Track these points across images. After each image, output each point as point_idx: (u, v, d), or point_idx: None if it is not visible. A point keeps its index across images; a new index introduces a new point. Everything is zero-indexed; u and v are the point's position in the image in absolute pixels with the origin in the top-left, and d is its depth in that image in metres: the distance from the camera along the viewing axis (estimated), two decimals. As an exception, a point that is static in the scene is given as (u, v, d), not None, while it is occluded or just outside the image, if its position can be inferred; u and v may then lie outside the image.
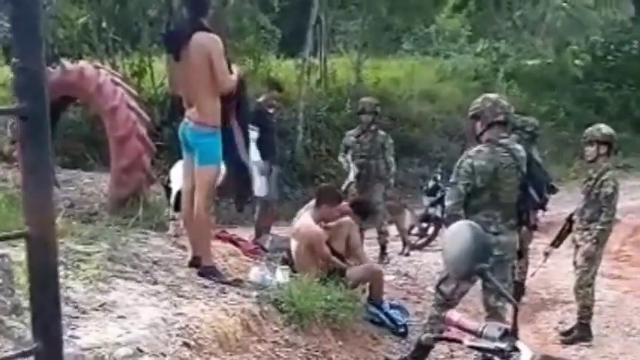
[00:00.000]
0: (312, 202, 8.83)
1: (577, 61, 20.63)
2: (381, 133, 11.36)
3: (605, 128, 8.55)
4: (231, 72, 7.02)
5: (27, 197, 1.69)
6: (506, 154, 6.67)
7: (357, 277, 8.34)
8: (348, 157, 11.19)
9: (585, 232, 8.37)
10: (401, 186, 12.55)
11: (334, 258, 8.34)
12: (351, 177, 11.05)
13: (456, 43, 24.10)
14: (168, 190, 8.63)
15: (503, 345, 2.80)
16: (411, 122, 19.23)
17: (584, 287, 8.43)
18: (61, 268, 6.05)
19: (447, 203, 6.73)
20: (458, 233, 4.79)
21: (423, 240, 12.90)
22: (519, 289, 8.43)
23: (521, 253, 7.26)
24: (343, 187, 10.79)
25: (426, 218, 12.96)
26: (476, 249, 4.59)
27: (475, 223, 5.90)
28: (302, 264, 8.25)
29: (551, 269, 9.99)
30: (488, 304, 6.77)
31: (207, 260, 7.23)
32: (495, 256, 6.25)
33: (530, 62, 21.29)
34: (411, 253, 12.07)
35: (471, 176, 6.60)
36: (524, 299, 8.99)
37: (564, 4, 15.87)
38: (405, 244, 12.20)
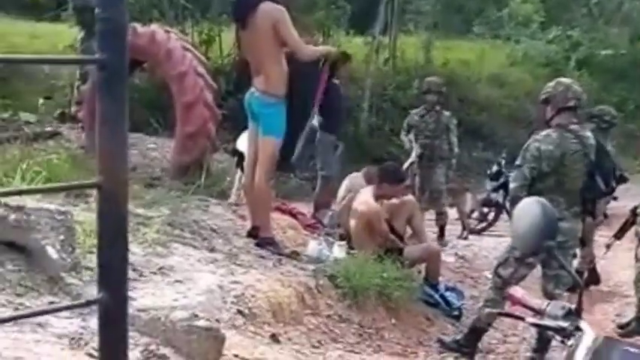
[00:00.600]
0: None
1: (651, 53, 20.24)
2: (446, 113, 11.26)
3: None
4: None
5: (102, 147, 1.68)
6: (574, 141, 6.56)
7: (415, 256, 8.26)
8: (411, 136, 11.12)
9: None
10: (464, 169, 12.41)
11: (392, 236, 8.28)
12: (414, 156, 10.98)
13: (528, 28, 23.74)
14: (240, 155, 8.58)
15: (565, 324, 2.74)
16: (478, 106, 19.04)
17: None
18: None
19: (512, 185, 6.65)
20: (528, 208, 4.68)
21: (483, 224, 12.80)
22: (580, 277, 8.31)
23: (584, 242, 7.14)
24: (405, 166, 10.69)
25: (488, 203, 12.85)
26: (545, 225, 4.48)
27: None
28: (359, 241, 8.21)
29: (612, 261, 9.84)
30: (547, 291, 6.68)
31: (266, 231, 7.23)
32: (557, 242, 6.15)
33: (603, 52, 20.93)
34: (470, 236, 11.95)
35: (537, 160, 6.51)
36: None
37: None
38: (464, 227, 12.10)
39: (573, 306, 2.84)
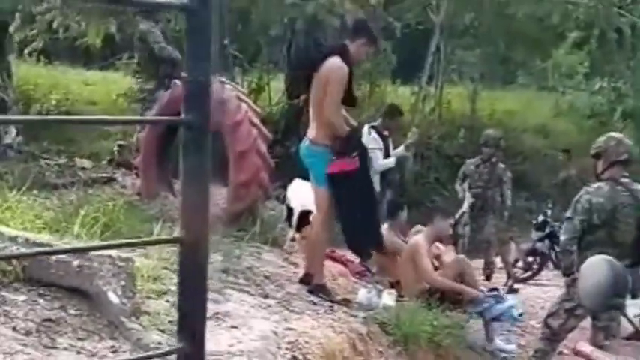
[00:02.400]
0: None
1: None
2: (501, 165, 11.40)
3: None
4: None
5: (185, 203, 1.82)
6: (625, 194, 6.65)
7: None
8: (465, 185, 11.26)
9: None
10: (510, 219, 12.47)
11: (437, 276, 8.38)
12: (465, 206, 11.11)
13: (572, 79, 23.78)
14: (289, 210, 8.81)
15: None
16: (523, 156, 19.09)
17: None
18: (176, 275, 6.26)
19: (562, 237, 6.76)
20: (596, 266, 4.80)
21: (529, 273, 12.84)
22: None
23: (636, 295, 7.18)
24: (457, 216, 10.84)
25: (533, 252, 12.93)
26: (614, 282, 4.59)
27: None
28: (406, 281, 8.35)
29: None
30: (596, 341, 6.74)
31: (319, 278, 7.36)
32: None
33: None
34: (515, 285, 11.98)
35: (588, 212, 6.61)
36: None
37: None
38: (509, 276, 12.14)
39: None
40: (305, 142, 7.41)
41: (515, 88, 23.96)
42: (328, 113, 7.04)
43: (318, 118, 7.21)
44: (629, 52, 18.31)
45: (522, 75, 24.73)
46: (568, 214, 6.82)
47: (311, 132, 7.29)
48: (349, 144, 7.17)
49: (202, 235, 1.86)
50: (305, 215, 8.48)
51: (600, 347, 6.73)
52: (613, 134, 7.18)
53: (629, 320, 3.63)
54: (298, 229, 8.50)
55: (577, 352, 3.20)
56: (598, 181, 6.83)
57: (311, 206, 7.93)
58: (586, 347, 3.19)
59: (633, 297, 7.10)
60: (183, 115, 1.81)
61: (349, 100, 7.30)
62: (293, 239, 8.66)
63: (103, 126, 15.85)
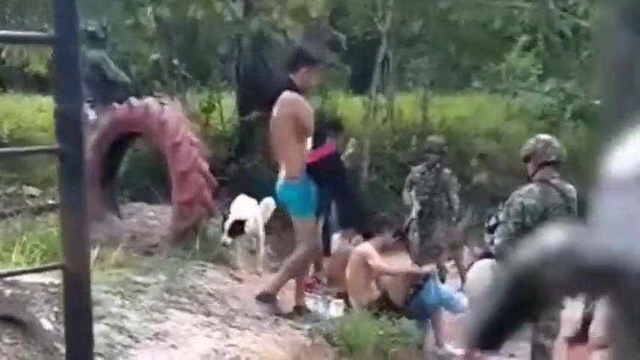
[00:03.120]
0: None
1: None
2: (446, 171, 11.46)
3: None
4: None
5: (64, 230, 1.88)
6: (557, 194, 6.77)
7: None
8: (412, 193, 11.33)
9: None
10: (462, 223, 12.56)
11: (386, 267, 8.50)
12: (414, 214, 11.19)
13: (525, 81, 24.00)
14: (224, 219, 8.90)
15: None
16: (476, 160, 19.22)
17: None
18: (118, 298, 6.32)
19: (496, 241, 6.87)
20: (480, 270, 4.91)
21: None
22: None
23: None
24: (405, 224, 10.94)
25: (487, 255, 12.96)
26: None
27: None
28: (354, 289, 8.42)
29: None
30: (536, 341, 6.85)
31: (272, 288, 7.46)
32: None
33: (597, 102, 21.12)
34: (470, 290, 12.07)
35: (521, 215, 6.71)
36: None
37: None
38: (463, 280, 12.23)
39: None
40: (280, 183, 7.55)
41: (468, 93, 24.13)
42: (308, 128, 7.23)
43: (285, 154, 7.37)
44: (574, 52, 18.54)
45: (475, 80, 24.93)
46: (501, 217, 6.94)
47: (282, 172, 7.47)
48: (320, 132, 7.50)
49: (84, 262, 1.91)
50: (238, 223, 8.60)
51: (541, 347, 6.85)
52: (541, 136, 7.29)
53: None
54: (230, 234, 8.60)
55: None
56: (529, 182, 6.94)
57: (246, 216, 8.12)
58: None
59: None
60: (56, 145, 1.86)
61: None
62: (224, 244, 8.73)
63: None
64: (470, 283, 5.17)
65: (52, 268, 2.00)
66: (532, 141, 7.07)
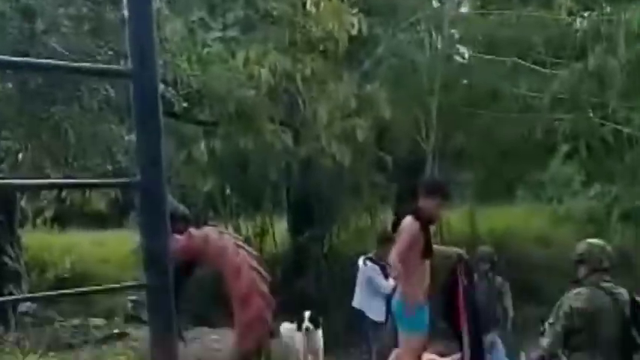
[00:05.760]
0: None
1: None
2: (499, 279, 11.64)
3: None
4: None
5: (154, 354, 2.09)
6: (606, 298, 6.91)
7: None
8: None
9: None
10: (518, 329, 12.67)
11: None
12: (469, 325, 11.34)
13: (569, 187, 24.18)
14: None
15: None
16: (527, 267, 19.36)
17: None
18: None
19: (544, 342, 7.03)
20: None
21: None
22: None
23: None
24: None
25: (542, 358, 13.01)
26: None
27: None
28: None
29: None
30: None
31: None
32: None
33: (644, 202, 21.23)
34: (529, 393, 12.13)
35: (569, 317, 6.86)
36: None
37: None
38: (521, 385, 12.29)
39: None
40: (395, 299, 8.12)
41: (513, 203, 24.35)
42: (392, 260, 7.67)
43: (401, 274, 7.79)
44: (617, 157, 18.76)
45: (520, 189, 25.15)
46: (550, 319, 7.09)
47: (398, 289, 8.05)
48: None
49: None
50: None
51: None
52: (594, 241, 7.39)
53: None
54: None
55: None
56: (579, 286, 7.05)
57: None
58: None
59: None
60: (144, 280, 2.10)
61: (426, 254, 7.81)
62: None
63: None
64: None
65: None
66: (584, 245, 7.16)
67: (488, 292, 11.41)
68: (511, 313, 11.71)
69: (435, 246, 7.99)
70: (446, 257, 8.08)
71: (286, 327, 9.49)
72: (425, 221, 7.64)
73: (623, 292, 7.01)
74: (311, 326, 9.34)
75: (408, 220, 7.57)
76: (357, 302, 10.95)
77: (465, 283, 7.90)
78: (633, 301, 7.04)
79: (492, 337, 8.72)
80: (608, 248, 7.13)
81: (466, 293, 7.84)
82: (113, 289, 3.82)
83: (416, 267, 7.63)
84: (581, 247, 7.20)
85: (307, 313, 9.28)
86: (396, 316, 8.03)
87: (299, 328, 8.96)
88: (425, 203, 7.78)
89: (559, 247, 19.82)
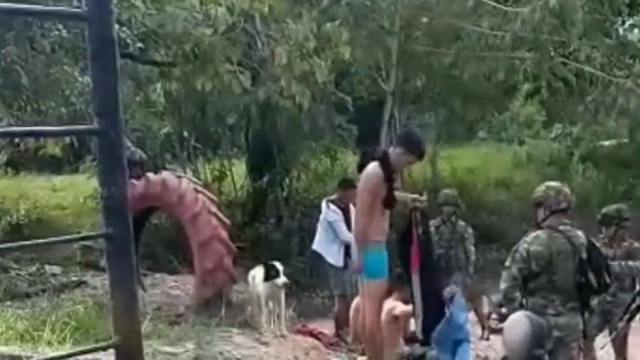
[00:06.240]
0: None
1: (653, 140, 20.58)
2: (461, 223, 11.56)
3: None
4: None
5: (115, 310, 2.00)
6: (563, 241, 6.87)
7: None
8: (429, 247, 11.40)
9: None
10: (481, 272, 12.64)
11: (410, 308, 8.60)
12: (431, 267, 11.26)
13: (531, 129, 24.24)
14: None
15: None
16: (488, 210, 19.37)
17: None
18: (149, 369, 6.46)
19: (501, 286, 6.98)
20: (517, 322, 5.23)
21: (503, 324, 12.92)
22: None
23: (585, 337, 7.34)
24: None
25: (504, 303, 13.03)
26: (534, 336, 4.97)
27: (533, 304, 6.24)
28: (386, 344, 8.48)
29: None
30: None
31: None
32: (556, 338, 6.53)
33: (606, 143, 21.33)
34: (491, 337, 12.14)
35: (526, 261, 6.82)
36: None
37: (635, 87, 15.94)
38: (483, 328, 12.30)
39: None
40: (356, 246, 7.89)
41: (475, 144, 24.36)
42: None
43: (361, 219, 7.67)
44: (578, 97, 18.74)
45: (481, 130, 25.18)
46: (507, 262, 7.05)
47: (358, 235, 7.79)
48: None
49: (136, 339, 2.02)
50: None
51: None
52: (552, 183, 7.40)
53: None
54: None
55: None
56: (538, 228, 7.06)
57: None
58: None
59: (585, 337, 7.33)
60: (104, 229, 2.00)
61: (387, 203, 7.63)
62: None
63: (75, 231, 16.00)
64: (505, 332, 5.36)
65: (106, 347, 2.03)
66: (542, 188, 7.15)
67: (450, 237, 11.36)
68: (473, 257, 11.65)
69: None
70: (403, 204, 7.90)
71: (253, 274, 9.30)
72: (390, 171, 7.45)
73: (580, 235, 7.01)
74: (288, 282, 9.18)
75: (373, 168, 7.38)
76: (316, 244, 10.81)
77: (419, 231, 7.72)
78: (590, 243, 7.05)
79: (452, 289, 8.59)
80: (567, 190, 7.10)
81: (420, 241, 7.68)
82: (72, 240, 3.68)
83: (378, 215, 7.47)
84: (539, 189, 7.18)
85: (280, 267, 9.08)
86: (357, 262, 7.87)
87: (267, 279, 8.76)
88: (398, 155, 7.59)
89: (520, 188, 19.83)
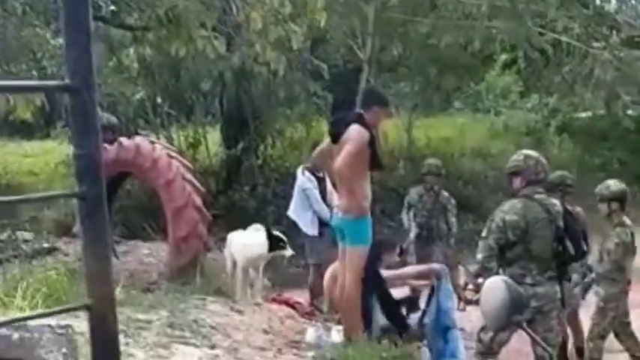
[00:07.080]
0: None
1: (629, 112, 20.58)
2: (445, 194, 11.50)
3: (614, 185, 8.67)
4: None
5: (88, 271, 1.92)
6: (539, 209, 6.83)
7: None
8: (411, 215, 11.34)
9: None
10: (457, 243, 12.61)
11: (395, 273, 8.50)
12: (412, 236, 11.21)
13: (507, 99, 24.23)
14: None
15: None
16: (464, 180, 19.35)
17: (595, 339, 8.56)
18: (121, 336, 6.31)
19: (478, 256, 6.95)
20: (493, 288, 5.15)
21: (479, 295, 12.93)
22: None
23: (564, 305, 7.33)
24: (403, 246, 10.94)
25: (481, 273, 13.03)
26: (512, 301, 4.89)
27: (511, 274, 6.21)
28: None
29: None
30: (536, 354, 6.93)
31: (355, 335, 7.52)
32: (534, 307, 6.51)
33: (582, 115, 21.36)
34: (467, 308, 12.12)
35: (502, 230, 6.78)
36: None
37: (612, 59, 15.89)
38: (460, 299, 12.27)
39: None
40: (337, 214, 7.76)
41: (451, 114, 24.32)
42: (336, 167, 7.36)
43: (345, 186, 7.45)
44: (555, 68, 18.70)
45: (457, 100, 25.13)
46: (483, 233, 7.01)
47: (341, 202, 7.61)
48: None
49: (109, 301, 1.94)
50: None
51: (541, 358, 6.92)
52: (530, 152, 7.36)
53: (532, 336, 3.86)
54: None
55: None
56: (513, 197, 7.00)
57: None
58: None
59: (563, 306, 7.31)
60: (77, 188, 1.90)
61: (374, 165, 7.53)
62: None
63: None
64: (482, 298, 5.29)
65: (77, 308, 1.97)
66: (521, 157, 7.11)
67: (433, 207, 11.30)
68: (454, 229, 11.64)
69: None
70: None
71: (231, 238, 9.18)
72: (371, 132, 7.34)
73: (556, 203, 7.07)
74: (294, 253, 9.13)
75: (359, 131, 7.24)
76: (292, 212, 10.73)
77: None
78: (566, 211, 7.03)
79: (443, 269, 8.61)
80: (542, 159, 7.10)
81: None
82: (45, 198, 3.60)
83: (362, 178, 7.34)
84: (517, 158, 7.16)
85: (282, 235, 9.01)
86: (338, 229, 7.74)
87: (271, 249, 8.65)
88: (375, 113, 7.48)
89: (496, 159, 19.82)
